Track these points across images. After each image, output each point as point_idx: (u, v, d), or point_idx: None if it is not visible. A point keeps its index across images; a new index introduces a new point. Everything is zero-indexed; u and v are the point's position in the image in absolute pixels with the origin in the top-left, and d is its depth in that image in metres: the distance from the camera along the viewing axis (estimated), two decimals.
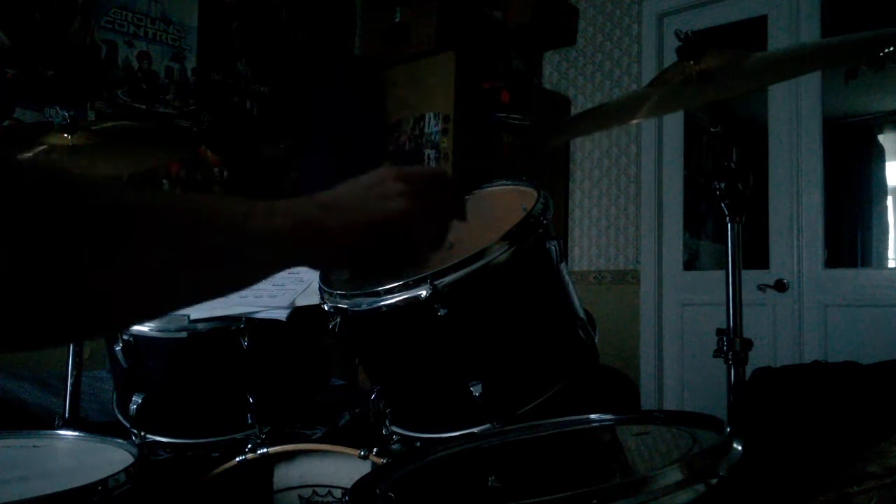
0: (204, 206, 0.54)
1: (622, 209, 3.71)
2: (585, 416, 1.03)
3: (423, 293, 1.04)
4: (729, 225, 1.24)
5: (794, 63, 1.21)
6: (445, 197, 0.72)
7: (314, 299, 1.23)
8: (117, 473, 0.98)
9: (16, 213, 0.41)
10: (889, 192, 3.97)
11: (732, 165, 1.22)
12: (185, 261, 0.50)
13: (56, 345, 0.47)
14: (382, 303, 1.08)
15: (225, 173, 3.33)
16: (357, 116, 3.59)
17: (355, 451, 1.18)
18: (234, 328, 1.26)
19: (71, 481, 0.94)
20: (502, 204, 1.31)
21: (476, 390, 1.08)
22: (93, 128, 1.51)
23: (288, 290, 1.32)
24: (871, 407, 1.88)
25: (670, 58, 1.25)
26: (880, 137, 4.00)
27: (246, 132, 3.47)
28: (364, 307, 1.09)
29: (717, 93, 1.15)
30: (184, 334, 1.26)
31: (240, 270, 0.56)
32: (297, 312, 1.27)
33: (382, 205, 0.64)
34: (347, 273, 1.27)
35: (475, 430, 1.10)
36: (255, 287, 1.34)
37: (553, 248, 1.15)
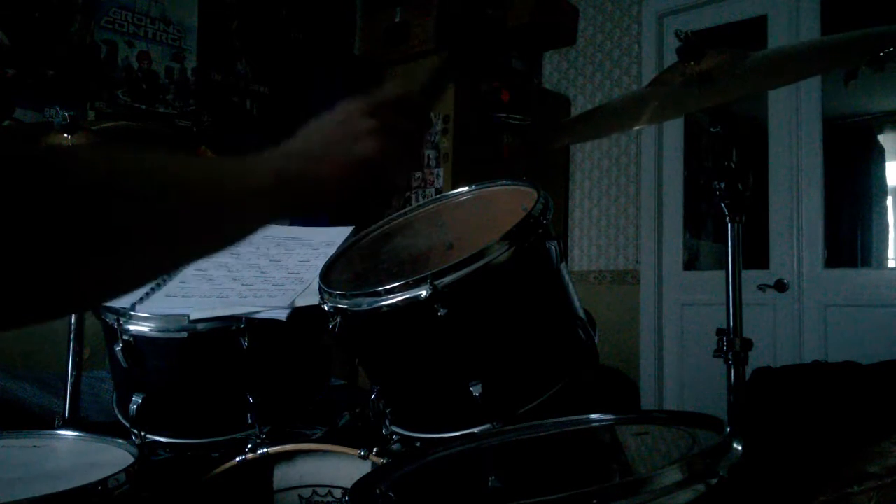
0: (189, 170, 0.54)
1: (622, 209, 3.71)
2: (585, 416, 1.03)
3: (423, 293, 1.04)
4: (729, 225, 1.24)
5: (794, 65, 1.21)
6: (415, 120, 0.70)
7: (314, 299, 1.23)
8: (117, 473, 0.98)
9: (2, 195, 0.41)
10: (889, 192, 3.97)
11: (732, 165, 1.22)
12: (172, 226, 0.51)
13: (45, 319, 0.47)
14: (382, 303, 1.08)
15: None
16: None
17: (355, 451, 1.18)
18: (234, 328, 1.26)
19: (71, 481, 0.94)
20: (502, 204, 1.31)
21: (476, 390, 1.08)
22: (93, 128, 1.51)
23: (288, 290, 1.32)
24: (871, 407, 1.88)
25: (670, 58, 1.25)
26: (880, 137, 4.00)
27: (246, 132, 3.47)
28: (364, 307, 1.09)
29: (717, 96, 1.15)
30: (184, 334, 1.26)
31: (226, 230, 0.56)
32: (297, 312, 1.27)
33: (357, 146, 0.63)
34: (347, 273, 1.28)
35: (475, 430, 1.10)
36: (255, 287, 1.34)
37: (553, 248, 1.15)
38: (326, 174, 0.61)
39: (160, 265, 0.54)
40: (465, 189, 1.38)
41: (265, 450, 1.24)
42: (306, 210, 0.62)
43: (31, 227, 0.42)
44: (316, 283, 1.22)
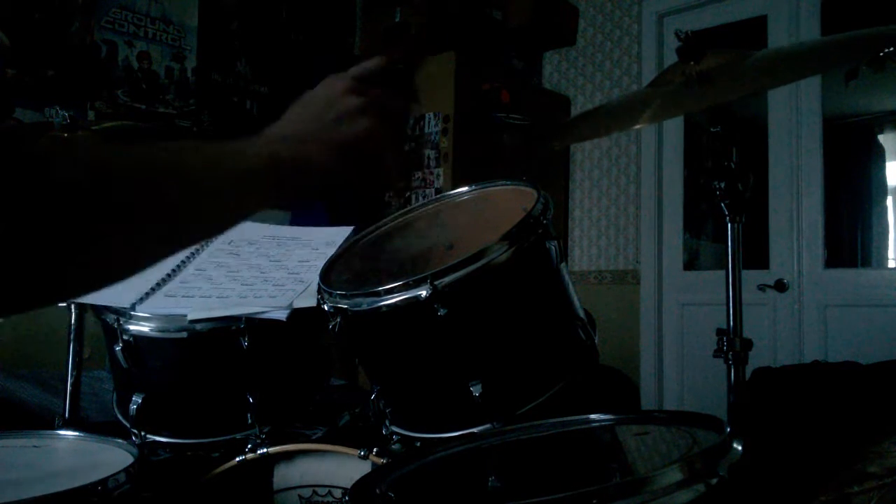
0: (184, 154, 0.54)
1: (622, 209, 3.71)
2: (585, 416, 1.03)
3: (423, 293, 1.04)
4: (729, 225, 1.24)
5: (794, 65, 1.21)
6: (401, 92, 0.69)
7: (313, 301, 1.23)
8: (117, 473, 0.98)
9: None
10: (889, 192, 3.97)
11: (732, 165, 1.22)
12: (168, 208, 0.51)
13: (45, 305, 0.47)
14: (382, 303, 1.08)
15: None
16: None
17: (355, 451, 1.18)
18: (234, 328, 1.26)
19: (71, 481, 0.94)
20: (502, 204, 1.31)
21: (476, 390, 1.08)
22: (93, 128, 1.51)
23: (288, 291, 1.32)
24: (871, 407, 1.88)
25: (670, 58, 1.25)
26: (880, 137, 4.01)
27: (246, 132, 3.47)
28: (364, 307, 1.09)
29: (717, 96, 1.15)
30: (184, 334, 1.26)
31: (221, 214, 0.56)
32: (297, 312, 1.27)
33: (348, 128, 0.62)
34: (347, 273, 1.28)
35: (475, 430, 1.10)
36: (255, 287, 1.34)
37: (553, 248, 1.15)
38: (319, 156, 0.61)
39: (157, 249, 0.54)
40: (465, 189, 1.38)
41: (265, 450, 1.24)
42: (300, 192, 0.62)
43: (22, 211, 0.42)
44: (315, 284, 1.22)
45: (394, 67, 0.69)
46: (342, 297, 1.12)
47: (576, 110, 3.90)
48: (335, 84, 0.66)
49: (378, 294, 1.08)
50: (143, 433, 1.31)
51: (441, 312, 1.04)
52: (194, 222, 0.54)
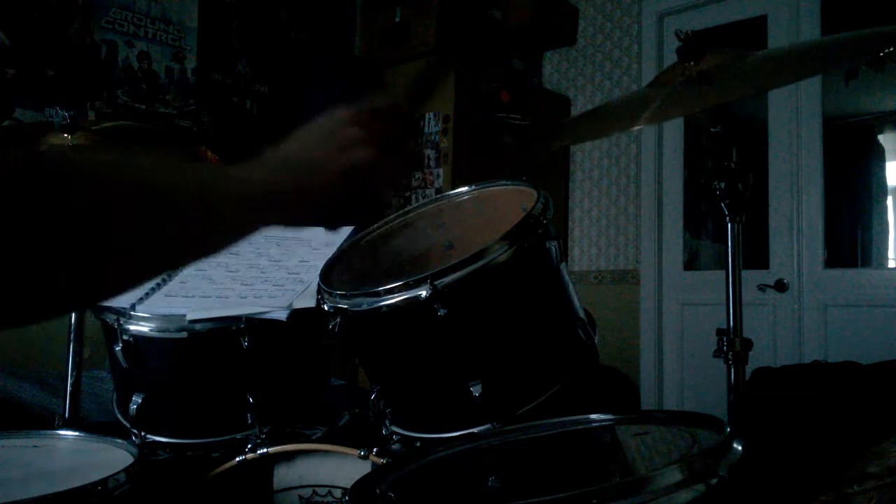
0: (180, 176, 0.55)
1: (622, 209, 3.71)
2: (585, 416, 1.03)
3: (423, 293, 1.04)
4: (729, 225, 1.24)
5: (794, 65, 1.21)
6: (401, 128, 0.71)
7: (313, 301, 1.23)
8: (117, 473, 0.98)
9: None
10: (889, 192, 3.97)
11: (732, 165, 1.22)
12: (162, 229, 0.52)
13: (39, 317, 0.48)
14: (382, 303, 1.08)
15: None
16: None
17: (355, 451, 1.18)
18: (234, 328, 1.26)
19: (71, 481, 0.94)
20: (502, 204, 1.31)
21: (476, 390, 1.08)
22: (93, 128, 1.51)
23: (288, 291, 1.32)
24: (871, 407, 1.88)
25: (670, 58, 1.25)
26: (880, 137, 4.00)
27: (246, 132, 3.47)
28: (364, 307, 1.09)
29: (717, 96, 1.15)
30: (184, 334, 1.26)
31: (215, 237, 0.58)
32: (298, 312, 1.27)
33: (346, 156, 0.64)
34: (347, 273, 1.28)
35: (475, 430, 1.10)
36: (255, 287, 1.34)
37: (553, 248, 1.15)
38: (315, 184, 0.62)
39: (150, 267, 0.55)
40: (465, 189, 1.38)
41: (265, 450, 1.24)
42: (295, 219, 0.64)
43: (21, 212, 0.42)
44: (316, 284, 1.22)
45: (398, 104, 0.71)
46: (342, 297, 1.12)
47: (576, 110, 3.90)
48: (338, 116, 0.67)
49: (378, 294, 1.08)
50: (143, 433, 1.31)
51: (441, 312, 1.04)
52: (188, 242, 0.55)
